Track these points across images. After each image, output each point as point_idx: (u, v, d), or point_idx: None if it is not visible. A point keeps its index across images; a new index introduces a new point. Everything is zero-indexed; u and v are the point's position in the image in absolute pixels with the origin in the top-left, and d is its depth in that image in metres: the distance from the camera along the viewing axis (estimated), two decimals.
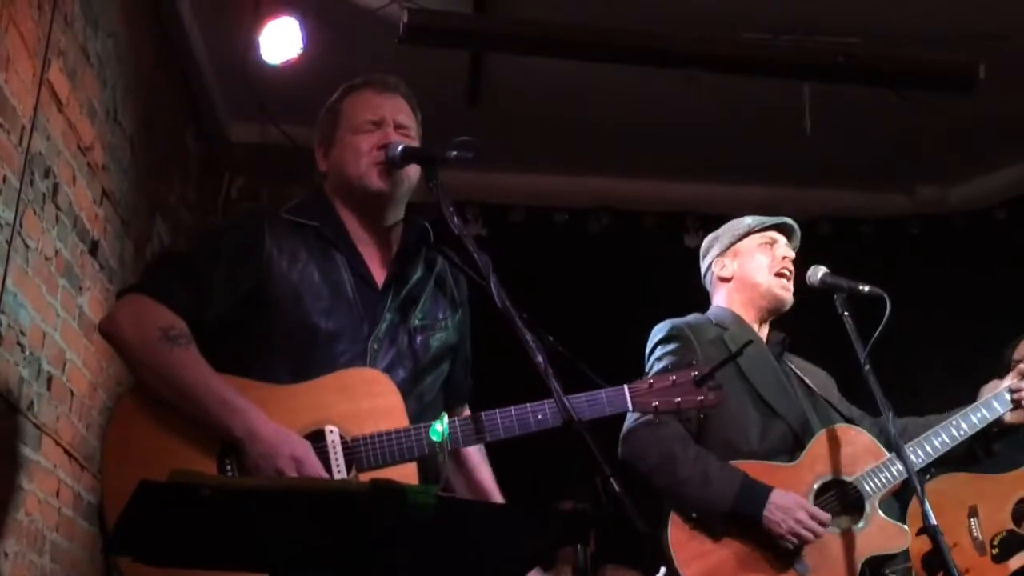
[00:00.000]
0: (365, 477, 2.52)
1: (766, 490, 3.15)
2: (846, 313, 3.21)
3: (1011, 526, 4.58)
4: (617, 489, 2.18)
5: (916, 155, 6.33)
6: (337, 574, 2.40)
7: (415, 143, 2.82)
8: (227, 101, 5.84)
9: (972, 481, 4.69)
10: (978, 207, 6.66)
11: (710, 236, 3.72)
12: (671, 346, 3.41)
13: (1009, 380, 3.48)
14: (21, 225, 3.31)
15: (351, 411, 2.56)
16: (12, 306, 3.28)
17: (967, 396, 5.73)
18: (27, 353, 3.41)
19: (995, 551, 4.56)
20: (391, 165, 2.74)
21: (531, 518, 2.16)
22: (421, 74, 4.92)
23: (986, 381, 4.98)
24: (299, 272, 2.68)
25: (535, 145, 6.19)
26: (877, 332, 3.08)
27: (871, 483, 3.24)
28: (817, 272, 3.33)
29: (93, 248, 4.05)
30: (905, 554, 3.52)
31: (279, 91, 5.07)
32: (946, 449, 3.38)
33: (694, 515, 3.18)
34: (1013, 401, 3.43)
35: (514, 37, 4.98)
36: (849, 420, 3.43)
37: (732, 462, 3.21)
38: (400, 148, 2.73)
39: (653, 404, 2.69)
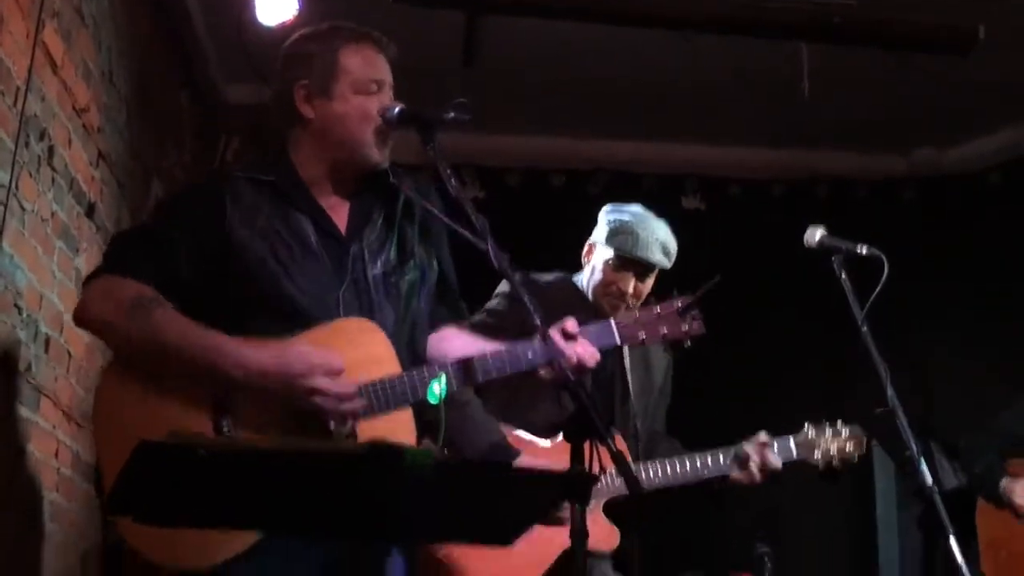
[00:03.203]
0: (362, 425, 2.54)
1: (516, 453, 3.33)
2: (843, 274, 3.21)
3: None
4: (615, 448, 2.20)
5: (912, 118, 6.31)
6: (334, 533, 2.42)
7: None
8: (222, 63, 5.81)
9: (1018, 467, 4.71)
10: (973, 170, 6.65)
11: (609, 208, 3.82)
12: (495, 303, 3.65)
13: (747, 447, 3.61)
14: (17, 187, 3.30)
15: (343, 361, 2.56)
16: (9, 268, 3.28)
17: (960, 355, 5.75)
18: (24, 315, 3.41)
19: None
20: (388, 127, 2.73)
21: (529, 478, 2.17)
22: (416, 35, 4.92)
23: (981, 341, 5.01)
24: (261, 229, 2.67)
25: (532, 107, 6.16)
26: (874, 294, 3.08)
27: (607, 481, 3.42)
28: (815, 233, 3.33)
29: (89, 210, 4.04)
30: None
31: (275, 53, 5.04)
32: (681, 480, 3.56)
33: None
34: (740, 464, 3.59)
35: None
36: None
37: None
38: (397, 111, 2.72)
39: (640, 336, 2.77)
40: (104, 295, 2.61)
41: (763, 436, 3.60)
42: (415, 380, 2.59)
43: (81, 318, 2.66)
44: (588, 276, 3.73)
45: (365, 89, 2.74)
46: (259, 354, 2.48)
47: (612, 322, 2.78)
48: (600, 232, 3.74)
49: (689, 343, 2.82)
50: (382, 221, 2.80)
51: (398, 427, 2.57)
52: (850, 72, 5.61)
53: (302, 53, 2.83)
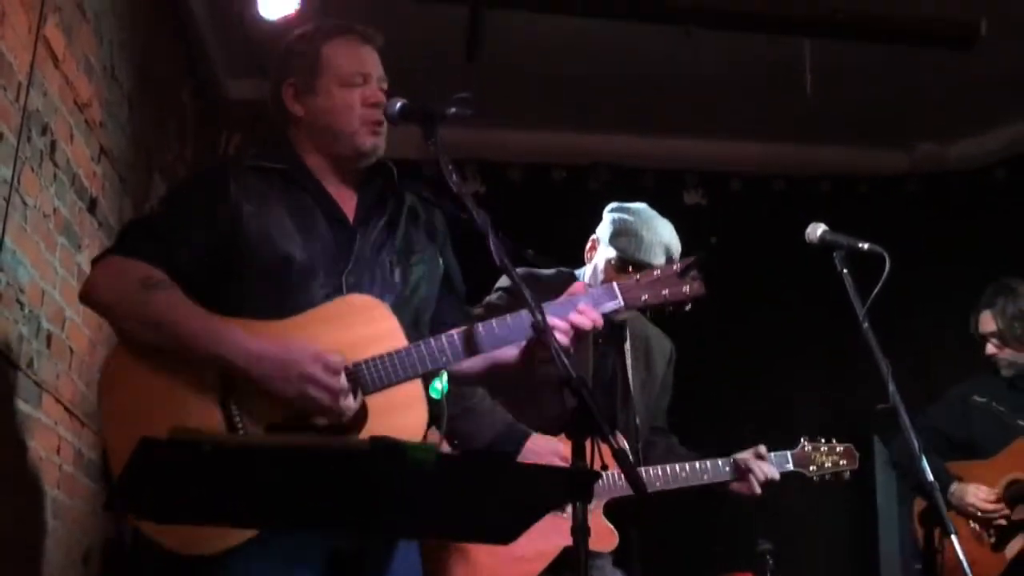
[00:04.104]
0: (371, 400, 2.55)
1: (525, 434, 3.41)
2: (845, 271, 3.21)
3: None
4: (616, 445, 2.19)
5: (915, 113, 6.30)
6: (337, 528, 2.43)
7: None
8: (224, 58, 5.81)
9: (960, 468, 4.68)
10: (977, 165, 6.63)
11: (614, 206, 3.79)
12: (494, 297, 3.65)
13: (745, 455, 3.68)
14: (19, 182, 3.30)
15: (349, 338, 2.57)
16: (11, 264, 3.28)
17: (964, 344, 5.75)
18: (26, 311, 3.41)
19: (992, 540, 4.55)
20: (387, 122, 2.74)
21: (532, 474, 2.17)
22: (419, 29, 4.93)
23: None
24: (268, 214, 2.68)
25: (534, 102, 6.15)
26: (876, 290, 3.08)
27: (608, 481, 3.46)
28: (816, 229, 3.33)
29: (91, 206, 4.04)
30: None
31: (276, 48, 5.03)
32: (681, 484, 3.61)
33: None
34: (738, 471, 3.66)
35: None
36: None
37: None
38: (399, 106, 2.72)
39: (643, 298, 2.77)
40: (112, 274, 2.62)
41: (761, 449, 3.68)
42: (422, 352, 2.59)
43: (87, 296, 2.66)
44: (590, 273, 3.73)
45: (349, 82, 2.77)
46: (260, 339, 2.50)
47: (615, 284, 2.77)
48: (604, 230, 3.72)
49: (690, 305, 2.82)
50: (387, 219, 2.82)
51: (407, 401, 2.58)
52: (852, 67, 5.61)
53: (288, 52, 2.87)
